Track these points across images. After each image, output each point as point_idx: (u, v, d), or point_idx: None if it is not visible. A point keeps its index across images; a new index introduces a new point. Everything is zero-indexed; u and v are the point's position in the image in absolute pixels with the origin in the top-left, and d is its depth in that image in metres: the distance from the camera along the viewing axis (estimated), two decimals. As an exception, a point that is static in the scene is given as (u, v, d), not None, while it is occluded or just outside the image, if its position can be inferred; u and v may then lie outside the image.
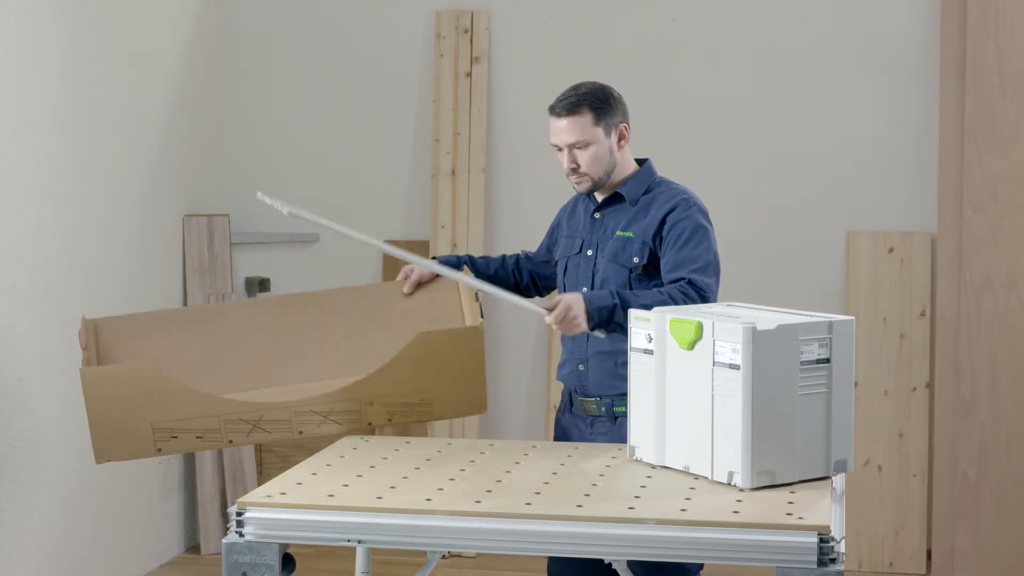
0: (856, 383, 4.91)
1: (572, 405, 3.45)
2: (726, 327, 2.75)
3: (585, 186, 3.38)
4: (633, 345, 2.97)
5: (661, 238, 3.32)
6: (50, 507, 4.28)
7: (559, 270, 3.52)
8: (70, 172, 4.39)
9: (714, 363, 2.77)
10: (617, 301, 3.16)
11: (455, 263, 3.49)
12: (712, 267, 3.29)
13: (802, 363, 2.77)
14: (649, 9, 5.36)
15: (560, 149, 3.36)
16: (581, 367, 3.39)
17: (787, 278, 5.27)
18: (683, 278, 3.24)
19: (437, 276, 3.43)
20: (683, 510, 2.58)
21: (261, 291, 5.51)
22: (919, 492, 5.08)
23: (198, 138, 5.41)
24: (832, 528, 2.46)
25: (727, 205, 5.33)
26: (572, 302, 3.13)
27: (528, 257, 3.67)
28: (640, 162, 3.48)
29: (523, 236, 5.39)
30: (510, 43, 5.46)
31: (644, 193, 3.40)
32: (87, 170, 4.50)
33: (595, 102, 3.35)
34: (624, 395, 3.31)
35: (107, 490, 4.64)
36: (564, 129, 3.34)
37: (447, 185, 5.41)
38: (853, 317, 2.92)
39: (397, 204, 5.57)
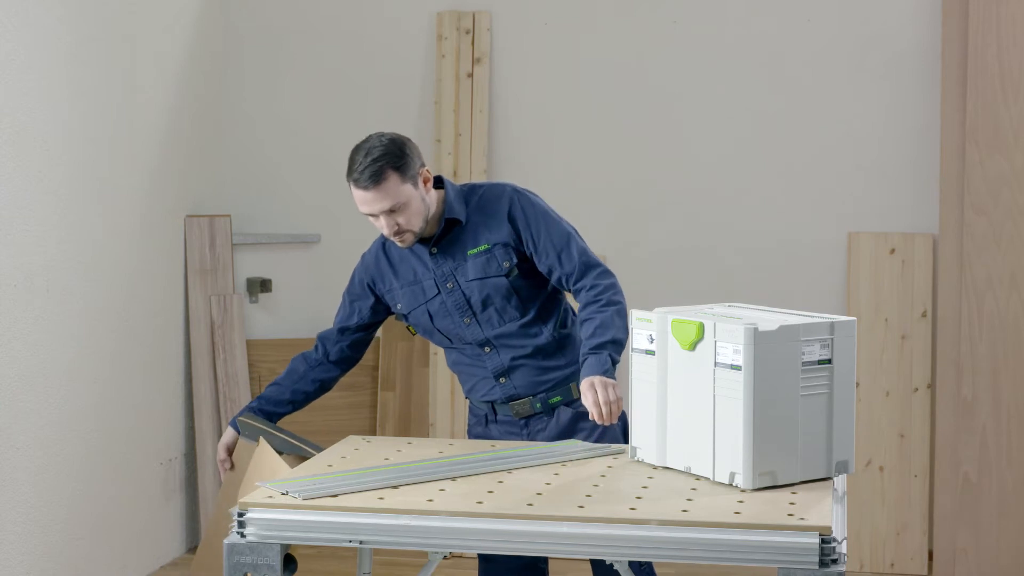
0: (857, 384, 4.91)
1: (496, 415, 3.40)
2: (727, 328, 2.76)
3: (409, 241, 3.26)
4: (634, 346, 2.97)
5: (519, 235, 3.28)
6: (52, 508, 4.28)
7: (416, 320, 3.38)
8: (71, 173, 4.39)
9: (715, 364, 2.78)
10: (608, 352, 3.11)
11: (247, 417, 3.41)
12: (577, 238, 3.30)
13: (803, 364, 2.77)
14: (651, 10, 5.36)
15: (375, 216, 3.22)
16: (503, 379, 3.35)
17: (788, 279, 5.27)
18: (591, 284, 3.24)
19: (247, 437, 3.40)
20: (684, 511, 2.58)
21: (262, 291, 5.51)
22: (920, 493, 5.08)
23: (199, 139, 5.41)
24: (833, 529, 2.46)
25: (729, 206, 5.34)
26: (600, 385, 3.03)
27: (341, 331, 3.45)
28: (438, 183, 3.37)
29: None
30: (511, 44, 5.46)
31: (467, 207, 3.34)
32: (88, 171, 4.50)
33: (395, 161, 3.19)
34: (556, 386, 3.33)
35: (108, 491, 4.64)
36: (374, 200, 3.18)
37: (448, 186, 5.41)
38: (855, 318, 2.92)
39: (398, 205, 5.56)
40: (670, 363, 2.89)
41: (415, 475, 2.84)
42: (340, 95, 5.58)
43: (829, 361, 2.81)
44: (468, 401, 3.50)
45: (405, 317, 3.41)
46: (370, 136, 3.27)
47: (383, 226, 3.23)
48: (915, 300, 5.12)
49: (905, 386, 5.10)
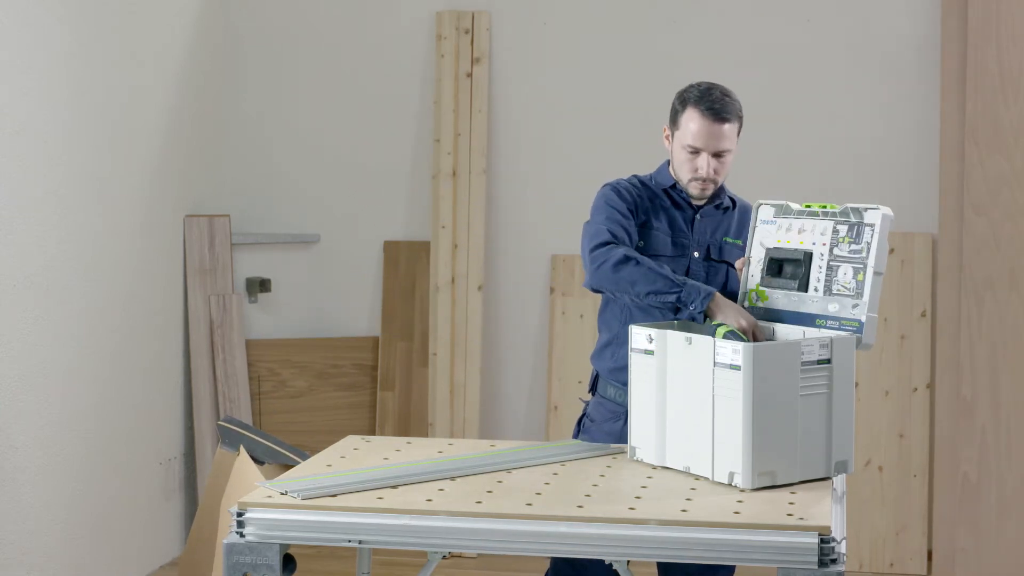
0: (857, 384, 4.91)
1: None
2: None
3: (707, 193, 3.27)
4: (633, 346, 2.97)
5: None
6: (51, 508, 4.28)
7: None
8: (71, 173, 4.39)
9: (715, 364, 2.78)
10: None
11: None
12: None
13: (803, 364, 2.77)
14: (649, 10, 5.36)
15: (696, 152, 3.21)
16: None
17: (788, 279, 5.26)
18: None
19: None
20: (684, 511, 2.58)
21: (262, 291, 5.51)
22: (920, 493, 5.08)
23: (199, 139, 5.41)
24: (833, 529, 2.46)
25: (728, 206, 5.34)
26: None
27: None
28: None
29: (523, 237, 5.40)
30: (511, 44, 5.46)
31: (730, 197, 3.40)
32: (88, 171, 4.50)
33: (741, 112, 3.23)
34: None
35: (108, 491, 4.64)
36: (723, 135, 3.19)
37: (448, 186, 5.41)
38: (854, 318, 2.92)
39: (398, 205, 5.57)
40: (669, 363, 2.89)
41: (414, 475, 2.84)
42: (340, 95, 5.58)
43: (828, 361, 2.81)
44: (593, 395, 3.38)
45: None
46: (709, 82, 3.24)
47: (701, 166, 3.20)
48: (914, 300, 5.12)
49: (904, 386, 5.10)
